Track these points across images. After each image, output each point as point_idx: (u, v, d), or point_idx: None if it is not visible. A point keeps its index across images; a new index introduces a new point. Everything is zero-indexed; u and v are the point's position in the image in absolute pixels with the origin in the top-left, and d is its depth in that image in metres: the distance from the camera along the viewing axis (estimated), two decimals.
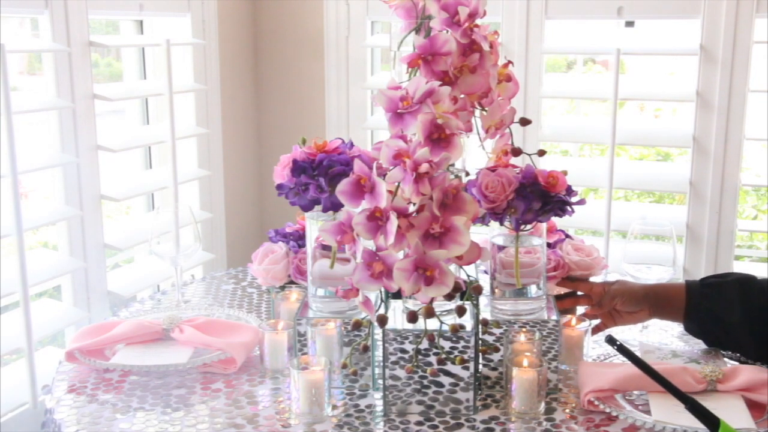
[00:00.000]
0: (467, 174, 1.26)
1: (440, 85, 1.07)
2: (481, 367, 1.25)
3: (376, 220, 1.02)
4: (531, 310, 1.29)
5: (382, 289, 1.09)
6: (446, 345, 1.15)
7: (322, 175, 1.23)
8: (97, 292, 1.83)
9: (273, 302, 1.47)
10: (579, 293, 1.43)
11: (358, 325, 1.12)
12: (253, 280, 1.78)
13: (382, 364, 1.17)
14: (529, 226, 1.27)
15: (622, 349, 0.98)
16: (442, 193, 1.04)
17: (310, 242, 1.29)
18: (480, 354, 1.23)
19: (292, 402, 1.19)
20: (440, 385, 1.17)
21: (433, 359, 1.15)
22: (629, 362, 1.31)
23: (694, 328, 1.38)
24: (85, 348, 1.34)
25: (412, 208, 1.04)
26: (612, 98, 1.99)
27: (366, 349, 1.18)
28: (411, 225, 1.03)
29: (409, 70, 1.12)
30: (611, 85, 1.98)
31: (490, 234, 1.32)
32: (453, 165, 1.19)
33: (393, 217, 1.01)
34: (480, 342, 1.21)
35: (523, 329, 1.25)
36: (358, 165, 1.05)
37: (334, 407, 1.20)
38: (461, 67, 1.12)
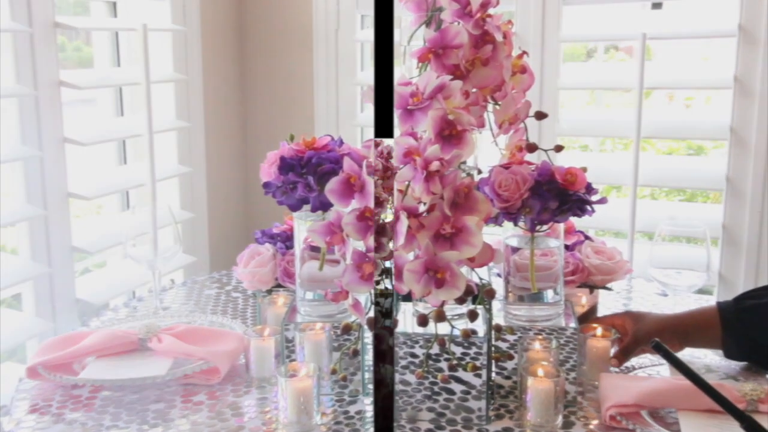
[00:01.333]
0: (479, 172, 1.28)
1: (451, 80, 1.09)
2: (494, 375, 1.26)
3: (366, 219, 1.06)
4: (547, 317, 1.30)
5: (372, 291, 1.11)
6: (458, 351, 1.18)
7: (311, 173, 1.27)
8: (63, 300, 1.83)
9: (259, 307, 1.49)
10: None
11: (347, 329, 1.16)
12: (239, 284, 1.79)
13: (372, 367, 1.20)
14: (545, 227, 1.28)
15: (669, 357, 0.98)
16: (453, 192, 1.06)
17: (298, 243, 1.32)
18: (493, 361, 1.24)
19: (280, 411, 1.20)
20: (451, 392, 1.19)
21: (444, 365, 1.18)
22: (656, 376, 1.32)
23: (734, 355, 1.39)
24: (50, 362, 1.34)
25: (422, 208, 1.06)
26: (637, 87, 2.00)
27: (356, 353, 1.23)
28: (421, 225, 1.05)
29: (420, 65, 1.15)
30: (636, 74, 2.00)
31: (503, 235, 1.33)
32: (465, 162, 1.21)
33: (403, 217, 1.04)
34: (493, 348, 1.22)
35: (539, 336, 1.26)
36: (347, 163, 1.09)
37: (323, 415, 1.23)
38: (473, 59, 1.15)
